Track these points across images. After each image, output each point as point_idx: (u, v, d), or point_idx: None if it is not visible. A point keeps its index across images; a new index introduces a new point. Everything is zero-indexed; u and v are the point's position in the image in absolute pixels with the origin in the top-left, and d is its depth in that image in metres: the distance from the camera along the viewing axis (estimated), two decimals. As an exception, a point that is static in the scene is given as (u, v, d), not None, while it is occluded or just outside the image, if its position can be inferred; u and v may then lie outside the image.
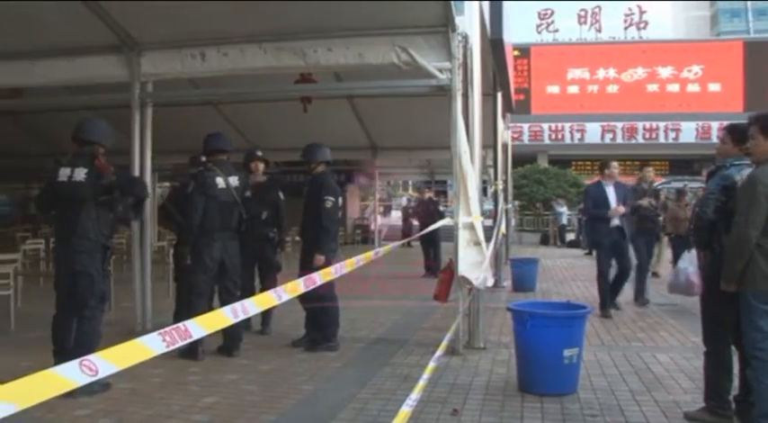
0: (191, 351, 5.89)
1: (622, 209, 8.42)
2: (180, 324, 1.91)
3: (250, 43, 6.95)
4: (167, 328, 1.85)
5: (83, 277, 5.14)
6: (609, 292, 8.49)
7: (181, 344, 1.88)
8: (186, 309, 6.04)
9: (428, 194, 14.95)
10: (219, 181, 6.27)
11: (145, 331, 7.08)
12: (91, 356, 1.57)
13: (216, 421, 4.50)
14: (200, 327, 1.98)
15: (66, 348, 5.18)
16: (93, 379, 1.57)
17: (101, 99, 8.53)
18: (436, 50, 6.50)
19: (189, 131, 10.96)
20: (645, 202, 9.38)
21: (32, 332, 6.91)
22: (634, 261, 8.98)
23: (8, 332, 7.22)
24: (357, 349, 6.69)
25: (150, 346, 1.77)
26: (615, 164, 8.79)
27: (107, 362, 1.60)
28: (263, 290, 7.44)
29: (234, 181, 6.38)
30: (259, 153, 7.43)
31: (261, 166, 7.35)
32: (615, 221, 8.43)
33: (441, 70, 6.46)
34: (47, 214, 5.45)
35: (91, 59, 7.37)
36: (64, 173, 5.21)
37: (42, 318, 5.74)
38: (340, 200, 6.78)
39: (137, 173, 7.17)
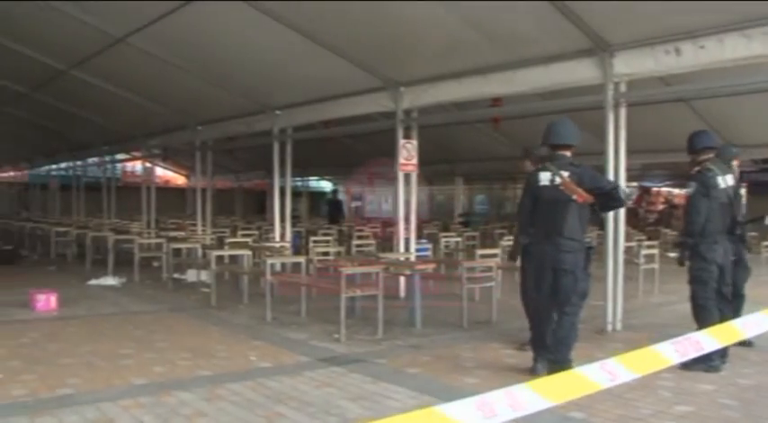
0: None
1: None
2: (691, 335, 1.85)
3: (730, 32, 6.40)
4: (679, 339, 1.81)
5: (568, 276, 5.38)
6: None
7: (692, 356, 1.83)
8: (697, 318, 5.88)
9: None
10: (720, 181, 5.99)
11: (615, 331, 7.15)
12: (610, 361, 1.62)
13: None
14: (713, 338, 1.88)
15: (545, 340, 5.50)
16: (613, 384, 1.60)
17: (571, 102, 8.80)
18: None
19: (658, 130, 10.66)
20: None
21: (511, 323, 7.51)
22: None
23: (490, 322, 7.91)
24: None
25: (663, 354, 1.74)
26: None
27: (625, 368, 1.62)
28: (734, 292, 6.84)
29: (729, 179, 6.08)
30: (735, 150, 6.90)
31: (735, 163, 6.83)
32: None
33: None
34: (527, 216, 5.77)
35: (564, 65, 7.67)
36: (545, 177, 5.52)
37: (519, 309, 6.13)
38: None
39: (611, 174, 7.21)
